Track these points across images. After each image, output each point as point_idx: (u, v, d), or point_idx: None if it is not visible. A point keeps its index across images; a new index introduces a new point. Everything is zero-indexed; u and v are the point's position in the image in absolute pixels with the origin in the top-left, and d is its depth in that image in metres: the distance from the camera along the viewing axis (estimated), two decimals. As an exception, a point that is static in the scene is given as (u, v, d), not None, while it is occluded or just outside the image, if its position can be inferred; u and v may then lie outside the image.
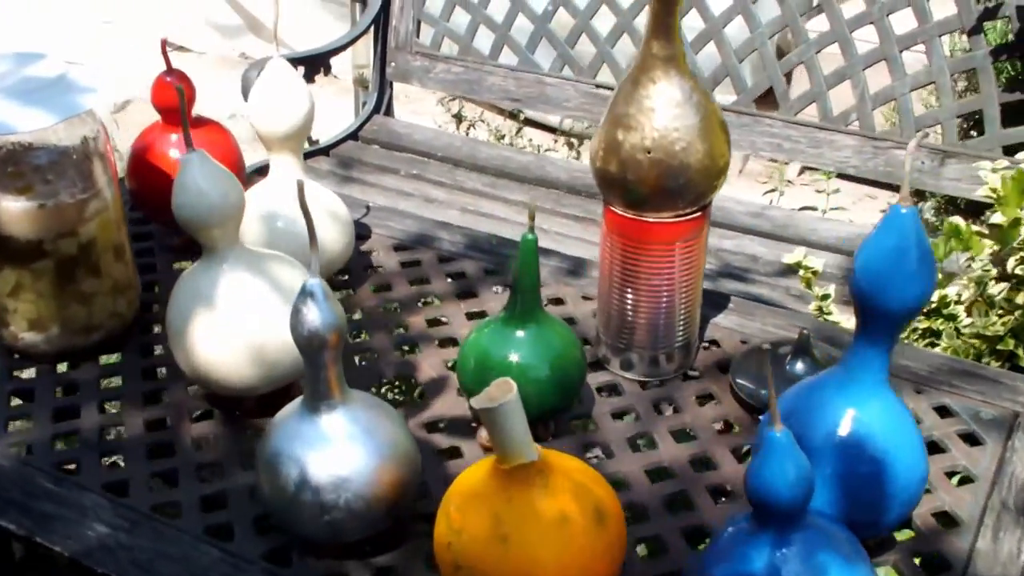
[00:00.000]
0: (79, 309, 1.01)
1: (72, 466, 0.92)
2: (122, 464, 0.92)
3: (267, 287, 0.92)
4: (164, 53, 1.14)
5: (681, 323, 1.01)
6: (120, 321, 1.05)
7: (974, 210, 2.07)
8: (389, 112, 2.07)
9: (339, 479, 0.77)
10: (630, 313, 1.00)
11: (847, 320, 1.29)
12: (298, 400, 0.81)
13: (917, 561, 0.83)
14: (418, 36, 2.02)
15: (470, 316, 1.11)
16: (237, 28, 3.58)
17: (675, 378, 1.03)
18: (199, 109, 1.19)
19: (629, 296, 0.99)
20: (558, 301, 1.14)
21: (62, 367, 1.03)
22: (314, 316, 0.74)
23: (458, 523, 0.73)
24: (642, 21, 1.60)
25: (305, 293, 0.75)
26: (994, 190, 1.19)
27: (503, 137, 2.46)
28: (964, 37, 1.68)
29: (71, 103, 0.94)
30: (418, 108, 2.89)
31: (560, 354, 0.91)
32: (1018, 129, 1.62)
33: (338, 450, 0.78)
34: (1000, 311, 1.11)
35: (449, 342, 1.08)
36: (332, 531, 0.79)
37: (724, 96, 1.83)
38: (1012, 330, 1.09)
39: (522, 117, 2.48)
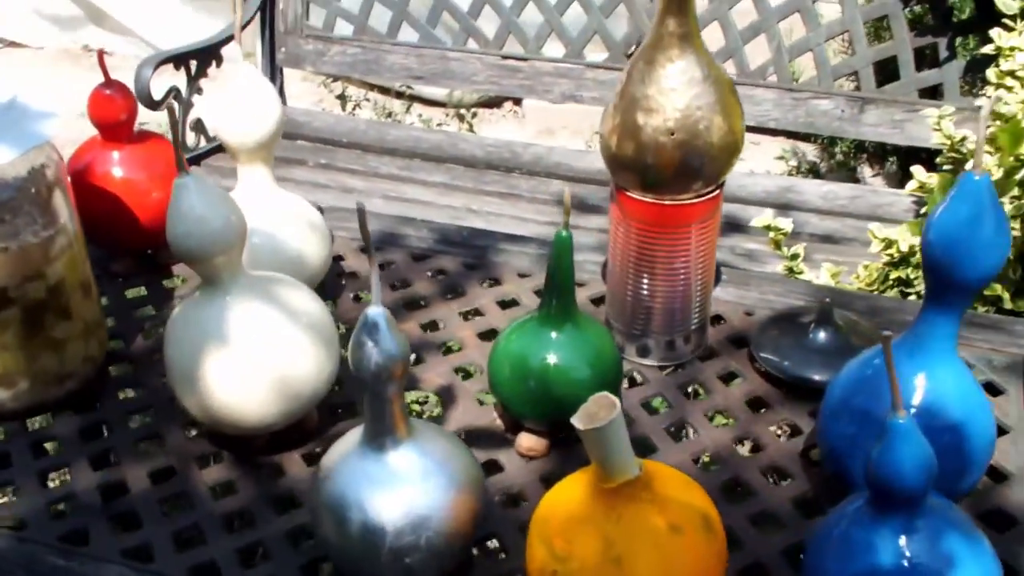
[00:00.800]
0: (50, 358, 0.91)
1: (80, 535, 0.83)
2: (137, 525, 0.84)
3: (281, 316, 0.84)
4: (102, 63, 1.03)
5: (697, 304, 0.98)
6: (92, 365, 0.95)
7: (894, 154, 2.11)
8: (282, 101, 1.97)
9: (418, 519, 0.71)
10: (646, 299, 0.97)
11: (816, 277, 1.30)
12: (353, 438, 0.75)
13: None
14: (308, 18, 1.92)
15: (465, 316, 1.06)
16: (76, 19, 3.35)
17: (693, 360, 1.00)
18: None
19: (645, 281, 0.96)
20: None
21: (34, 423, 0.94)
22: (380, 348, 0.68)
23: (564, 550, 0.68)
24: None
25: (368, 324, 0.68)
26: (949, 137, 1.21)
27: (391, 115, 2.39)
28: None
29: (28, 133, 0.84)
30: (291, 92, 2.77)
31: (599, 353, 0.87)
32: (931, 72, 1.65)
33: (414, 488, 0.72)
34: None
35: (449, 348, 1.02)
36: (410, 574, 0.73)
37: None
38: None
39: (408, 94, 2.40)
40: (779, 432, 0.93)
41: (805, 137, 2.45)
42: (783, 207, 1.68)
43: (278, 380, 0.83)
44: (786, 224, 1.27)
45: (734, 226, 1.57)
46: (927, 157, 2.07)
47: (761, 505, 0.85)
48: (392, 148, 1.86)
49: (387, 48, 1.88)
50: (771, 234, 1.26)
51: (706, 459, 0.90)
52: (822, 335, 0.97)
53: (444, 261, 1.14)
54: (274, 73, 1.94)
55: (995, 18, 1.40)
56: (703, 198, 0.92)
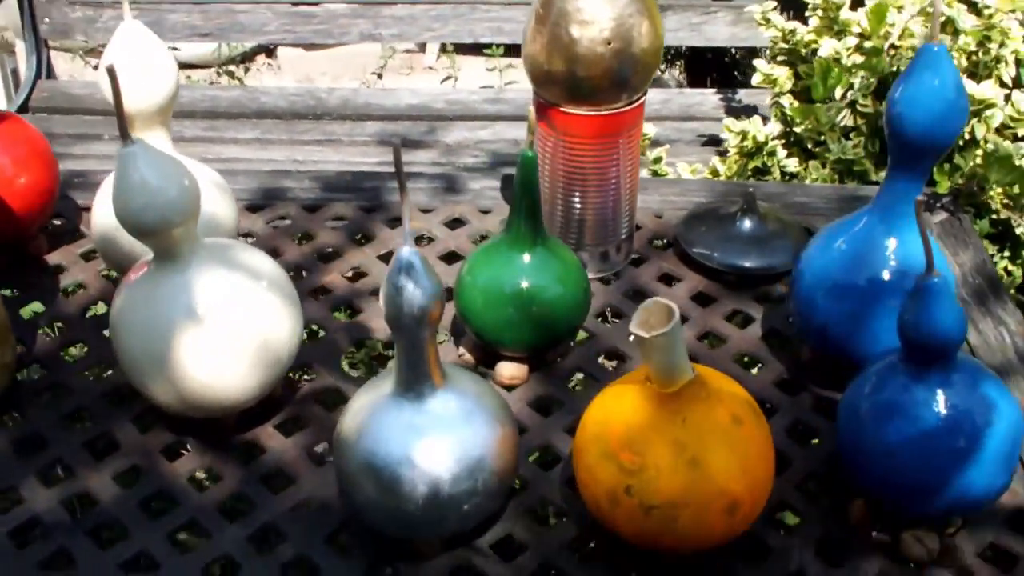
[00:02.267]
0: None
1: (62, 558, 0.74)
2: (123, 535, 0.76)
3: (249, 280, 0.78)
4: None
5: (626, 213, 0.99)
6: (8, 373, 0.85)
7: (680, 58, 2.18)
8: (51, 75, 1.80)
9: (473, 462, 0.69)
10: (579, 212, 0.96)
11: (676, 173, 1.34)
12: (380, 391, 0.71)
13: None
14: (70, -18, 1.75)
15: (384, 259, 1.02)
16: None
17: (626, 267, 1.01)
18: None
19: (577, 196, 0.96)
20: (458, 222, 1.07)
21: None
22: (421, 290, 0.65)
23: (634, 463, 0.68)
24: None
25: (405, 266, 0.64)
26: (782, 30, 1.27)
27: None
28: None
29: None
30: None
31: (569, 270, 0.86)
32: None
33: (463, 432, 0.69)
34: (853, 137, 1.20)
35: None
36: (469, 520, 0.71)
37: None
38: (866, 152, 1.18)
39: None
40: (736, 322, 0.96)
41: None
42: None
43: (259, 348, 0.77)
44: (651, 130, 1.30)
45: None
46: (712, 57, 2.18)
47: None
48: (190, 111, 1.74)
49: (168, 7, 1.75)
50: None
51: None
52: (748, 224, 1.00)
53: (339, 208, 1.09)
54: (39, 47, 1.76)
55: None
56: (634, 105, 0.92)
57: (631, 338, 0.66)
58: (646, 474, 0.68)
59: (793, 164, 1.30)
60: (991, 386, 0.71)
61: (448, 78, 2.22)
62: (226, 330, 0.76)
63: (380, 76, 2.32)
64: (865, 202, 1.09)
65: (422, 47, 2.75)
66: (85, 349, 0.92)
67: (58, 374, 0.89)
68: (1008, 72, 1.16)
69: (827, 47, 1.23)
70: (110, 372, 0.88)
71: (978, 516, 0.75)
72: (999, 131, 1.14)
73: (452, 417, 0.69)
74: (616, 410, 0.70)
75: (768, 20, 1.37)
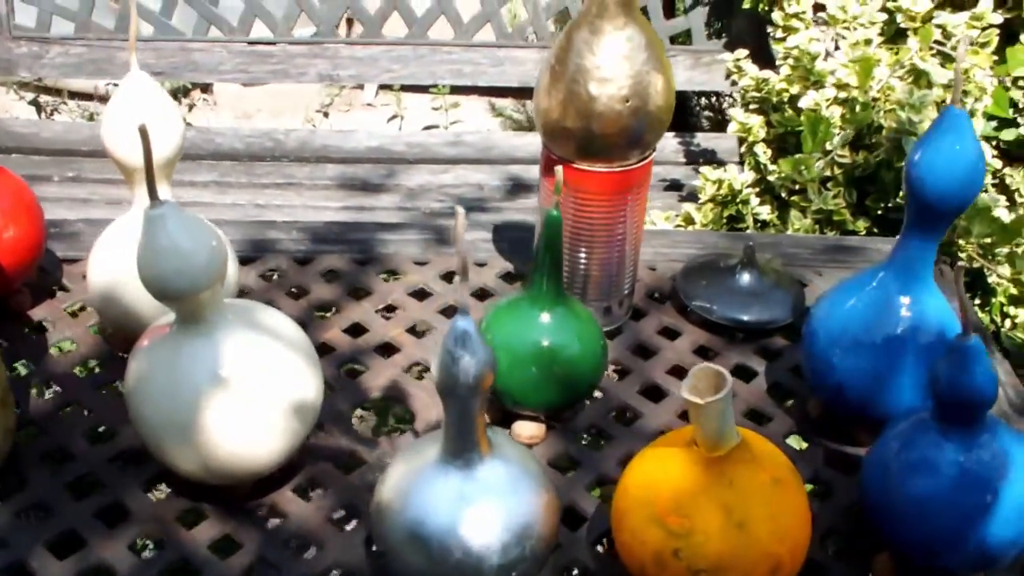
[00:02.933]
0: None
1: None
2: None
3: (274, 342, 0.77)
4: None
5: (630, 268, 0.99)
6: (10, 437, 0.81)
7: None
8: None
9: (521, 529, 0.68)
10: (583, 267, 0.97)
11: (652, 223, 1.35)
12: (423, 460, 0.70)
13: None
14: (15, 18, 1.70)
15: (383, 313, 1.01)
16: None
17: (627, 322, 1.02)
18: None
19: (583, 251, 0.96)
20: (453, 275, 1.07)
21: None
22: (476, 360, 0.64)
23: (683, 526, 0.68)
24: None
25: (460, 336, 0.64)
26: (755, 78, 1.29)
27: (92, 117, 2.18)
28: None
29: None
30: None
31: (588, 329, 0.86)
32: (679, 19, 1.76)
33: (511, 500, 0.69)
34: (831, 187, 1.22)
35: (386, 348, 0.97)
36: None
37: (394, 30, 1.76)
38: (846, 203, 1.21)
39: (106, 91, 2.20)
40: (742, 375, 0.97)
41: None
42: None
43: (286, 411, 0.76)
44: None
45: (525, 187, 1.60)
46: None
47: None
48: (141, 151, 1.70)
49: (118, 45, 1.71)
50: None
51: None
52: (746, 277, 1.02)
53: (331, 260, 1.07)
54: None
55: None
56: (644, 161, 0.93)
57: (684, 398, 0.65)
58: (695, 538, 0.68)
59: (766, 212, 1.32)
60: (1015, 443, 0.73)
61: (395, 116, 2.22)
62: (255, 395, 0.74)
63: (326, 115, 2.30)
64: (850, 253, 1.14)
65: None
66: (84, 411, 0.89)
67: (58, 437, 0.85)
68: (979, 126, 1.20)
69: (809, 99, 1.26)
70: (115, 436, 0.85)
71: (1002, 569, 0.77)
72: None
73: (501, 485, 0.68)
74: (661, 474, 0.71)
75: (740, 68, 1.39)
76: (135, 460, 0.83)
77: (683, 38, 1.80)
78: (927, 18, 1.23)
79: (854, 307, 0.85)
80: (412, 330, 0.99)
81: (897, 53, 1.24)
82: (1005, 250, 1.13)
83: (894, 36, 1.30)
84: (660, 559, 0.69)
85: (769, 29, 1.46)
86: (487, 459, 0.69)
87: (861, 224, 1.21)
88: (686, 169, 1.71)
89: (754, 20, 1.70)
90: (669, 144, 1.79)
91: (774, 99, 1.33)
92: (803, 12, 1.34)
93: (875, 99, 1.20)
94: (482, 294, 1.05)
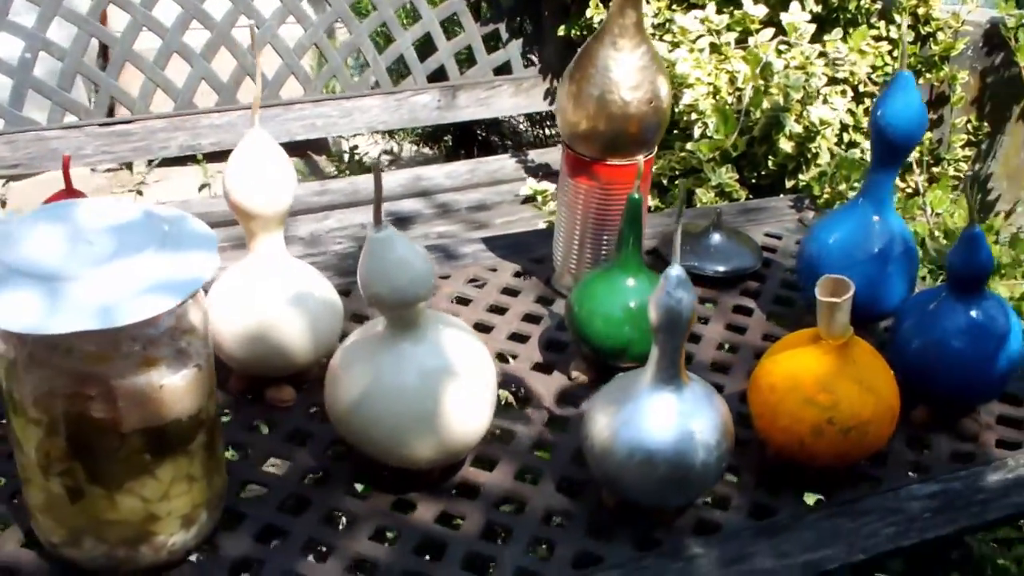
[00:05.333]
0: (219, 479, 0.85)
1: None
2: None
3: (467, 335, 0.90)
4: (66, 172, 0.92)
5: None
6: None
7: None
8: None
9: (724, 429, 0.87)
10: (605, 247, 1.16)
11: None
12: (629, 390, 0.86)
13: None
14: None
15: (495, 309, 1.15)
16: None
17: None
18: None
19: (605, 236, 1.15)
20: (475, 280, 1.22)
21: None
22: (690, 298, 0.82)
23: (830, 400, 0.90)
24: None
25: (679, 281, 0.82)
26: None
27: None
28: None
29: (190, 264, 0.77)
30: None
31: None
32: (498, 53, 1.97)
33: (713, 410, 0.86)
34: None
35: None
36: (721, 474, 0.88)
37: (247, 96, 1.85)
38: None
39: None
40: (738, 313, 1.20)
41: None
42: (422, 193, 1.89)
43: (491, 390, 0.90)
44: (550, 186, 1.51)
45: (445, 211, 1.76)
46: (479, 129, 2.42)
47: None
48: None
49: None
50: (539, 198, 1.49)
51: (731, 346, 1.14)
52: (716, 237, 1.25)
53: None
54: None
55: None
56: (653, 151, 1.14)
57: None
58: (841, 406, 0.90)
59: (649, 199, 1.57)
60: (1005, 305, 1.01)
61: (205, 185, 2.26)
62: (472, 379, 0.88)
63: (140, 192, 2.31)
64: (759, 212, 1.40)
65: (128, 166, 2.73)
66: (247, 450, 0.97)
67: (242, 474, 0.93)
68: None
69: (688, 97, 1.52)
70: (291, 462, 0.95)
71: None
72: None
73: (703, 401, 0.87)
74: (800, 366, 0.92)
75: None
76: (322, 481, 0.93)
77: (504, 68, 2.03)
78: (765, 21, 1.54)
79: (841, 231, 1.10)
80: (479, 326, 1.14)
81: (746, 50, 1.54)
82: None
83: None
84: (817, 429, 0.90)
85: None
86: (688, 384, 0.87)
87: (742, 192, 1.49)
88: (531, 183, 1.93)
89: (565, 45, 1.96)
90: (507, 164, 2.00)
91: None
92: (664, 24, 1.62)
93: (762, 86, 1.49)
94: (508, 290, 1.21)
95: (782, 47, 1.52)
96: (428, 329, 0.88)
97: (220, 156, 2.16)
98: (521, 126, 2.42)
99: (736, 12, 1.58)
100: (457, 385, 0.87)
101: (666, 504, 0.89)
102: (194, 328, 0.78)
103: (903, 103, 1.05)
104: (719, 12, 1.59)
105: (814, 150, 1.46)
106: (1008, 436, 1.03)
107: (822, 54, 1.61)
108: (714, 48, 1.57)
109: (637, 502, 0.89)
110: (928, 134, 1.76)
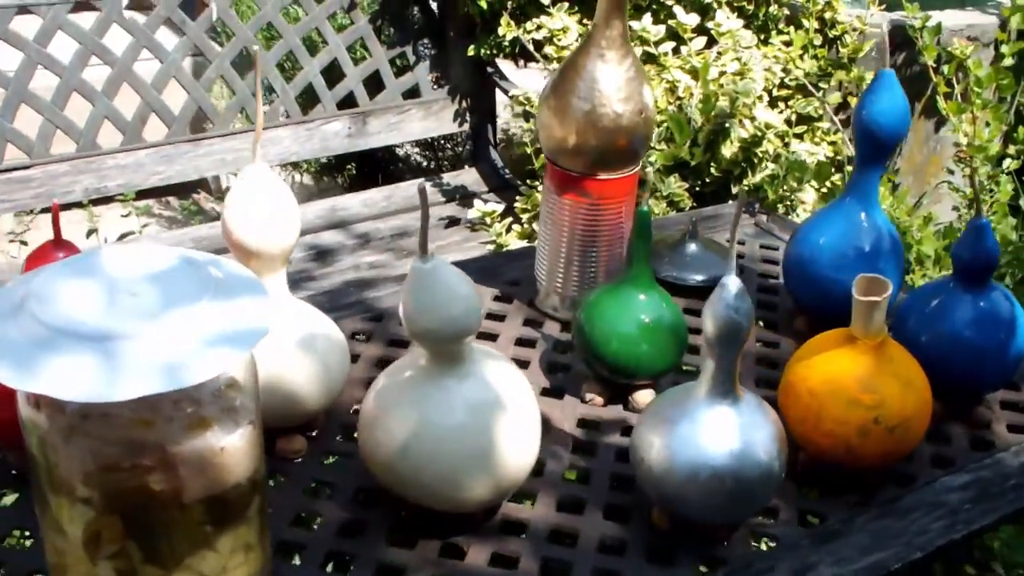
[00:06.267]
0: (269, 546, 0.78)
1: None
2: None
3: (511, 368, 0.86)
4: (56, 220, 0.83)
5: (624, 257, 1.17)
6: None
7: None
8: None
9: (780, 441, 0.85)
10: (592, 267, 1.13)
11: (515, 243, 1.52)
12: (684, 408, 0.83)
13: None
14: None
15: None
16: None
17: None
18: None
19: (593, 252, 1.12)
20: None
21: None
22: (747, 307, 0.80)
23: (874, 399, 0.89)
24: None
25: (732, 289, 0.80)
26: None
27: None
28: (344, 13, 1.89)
29: (246, 312, 0.69)
30: None
31: (671, 304, 1.02)
32: (407, 76, 1.93)
33: (768, 424, 0.84)
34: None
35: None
36: (778, 483, 0.86)
37: (154, 133, 1.75)
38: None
39: None
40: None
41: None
42: (340, 224, 1.82)
43: (536, 422, 0.85)
44: (498, 208, 1.47)
45: (368, 241, 1.69)
46: (382, 156, 2.35)
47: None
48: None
49: None
50: (487, 219, 1.45)
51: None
52: (692, 247, 1.24)
53: (353, 323, 1.13)
54: None
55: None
56: (639, 165, 1.11)
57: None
58: (885, 404, 0.89)
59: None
60: (1008, 296, 1.02)
61: (93, 231, 2.12)
62: (521, 412, 0.83)
63: (24, 243, 2.14)
64: (713, 220, 1.40)
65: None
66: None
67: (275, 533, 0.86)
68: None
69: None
70: (317, 518, 0.88)
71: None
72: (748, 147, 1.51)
73: (760, 410, 0.85)
74: (839, 369, 0.90)
75: (529, 100, 1.61)
76: (351, 532, 0.87)
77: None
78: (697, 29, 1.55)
79: (831, 232, 1.10)
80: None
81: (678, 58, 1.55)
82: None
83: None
84: (864, 430, 0.89)
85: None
86: (743, 397, 0.84)
87: (688, 202, 1.49)
88: (451, 206, 1.89)
89: (473, 65, 1.93)
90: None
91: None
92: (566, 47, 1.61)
93: (712, 93, 1.49)
94: (492, 316, 1.17)
95: (723, 52, 1.53)
96: (472, 362, 0.83)
97: (104, 199, 2.06)
98: (415, 155, 2.38)
99: (671, 21, 1.58)
100: (507, 419, 0.82)
101: (730, 520, 0.86)
102: (241, 383, 0.71)
103: (889, 100, 1.05)
104: (655, 22, 1.59)
105: (760, 154, 1.47)
106: (1015, 421, 1.05)
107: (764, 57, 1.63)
108: (650, 58, 1.57)
109: (698, 521, 0.86)
110: (840, 133, 1.80)
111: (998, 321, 1.00)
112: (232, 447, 0.69)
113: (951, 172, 1.90)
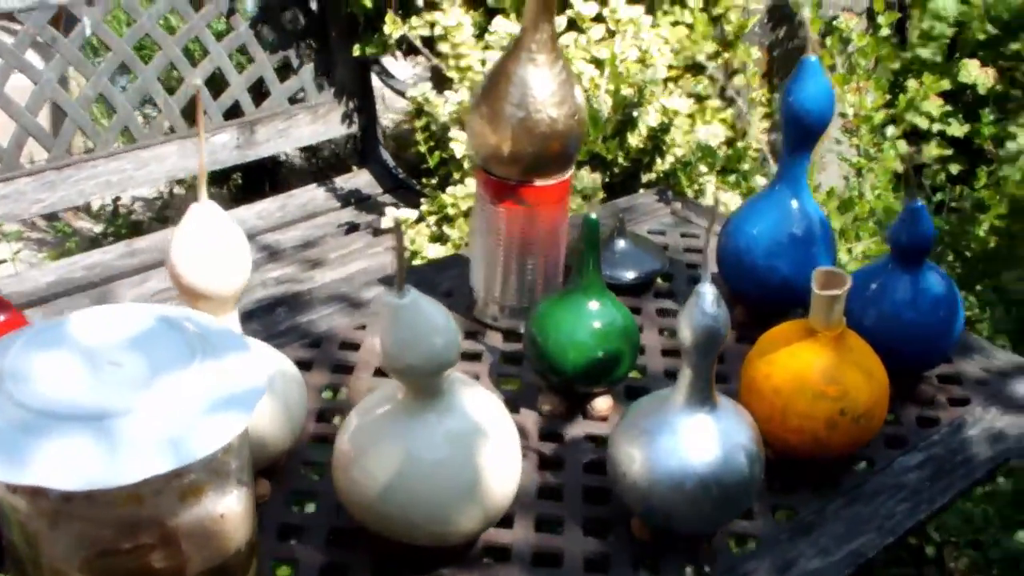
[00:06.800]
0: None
1: None
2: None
3: (489, 394, 0.84)
4: None
5: (562, 264, 1.15)
6: None
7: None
8: None
9: (758, 446, 0.85)
10: (530, 274, 1.12)
11: (432, 251, 1.50)
12: (664, 412, 0.83)
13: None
14: None
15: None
16: None
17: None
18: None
19: (530, 261, 1.11)
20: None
21: None
22: (724, 313, 0.80)
23: (838, 391, 0.90)
24: None
25: (709, 298, 0.79)
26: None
27: None
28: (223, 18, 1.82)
29: (237, 370, 0.65)
30: None
31: (622, 310, 1.01)
32: (292, 80, 1.87)
33: (749, 429, 0.84)
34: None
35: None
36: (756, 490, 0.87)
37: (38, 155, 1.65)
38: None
39: None
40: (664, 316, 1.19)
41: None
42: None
43: (517, 446, 0.84)
44: (411, 214, 1.44)
45: (271, 254, 1.64)
46: (266, 164, 2.27)
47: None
48: None
49: None
50: (403, 226, 1.42)
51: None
52: (621, 242, 1.24)
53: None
54: None
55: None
56: (571, 170, 1.10)
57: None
58: (849, 395, 0.91)
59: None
60: (946, 279, 1.05)
61: (3, 261, 2.01)
62: (503, 440, 0.81)
63: None
64: (633, 211, 1.40)
65: None
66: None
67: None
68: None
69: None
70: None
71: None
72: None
73: (735, 413, 0.85)
74: (801, 363, 0.91)
75: (428, 99, 1.58)
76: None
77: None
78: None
79: (764, 221, 1.12)
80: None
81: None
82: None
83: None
84: (831, 422, 0.90)
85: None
86: (718, 403, 0.84)
87: (600, 194, 1.49)
88: (349, 211, 1.85)
89: (358, 65, 1.88)
90: (318, 195, 1.90)
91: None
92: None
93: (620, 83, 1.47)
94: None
95: (623, 39, 1.53)
96: (451, 393, 0.80)
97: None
98: (296, 158, 2.32)
99: (568, 12, 1.57)
100: (492, 447, 0.80)
101: (714, 527, 0.87)
102: (236, 445, 0.67)
103: (814, 87, 1.07)
104: (558, 14, 1.58)
105: (668, 141, 1.48)
106: (955, 395, 1.08)
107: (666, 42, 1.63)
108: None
109: (683, 531, 0.86)
110: (729, 110, 1.82)
111: (938, 299, 1.03)
112: (231, 512, 0.65)
113: (838, 142, 1.96)
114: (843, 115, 1.87)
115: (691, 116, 1.70)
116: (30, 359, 0.61)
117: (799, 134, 1.09)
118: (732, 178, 1.51)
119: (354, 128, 1.93)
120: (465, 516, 0.79)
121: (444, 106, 1.57)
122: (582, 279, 0.99)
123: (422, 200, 1.59)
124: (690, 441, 0.82)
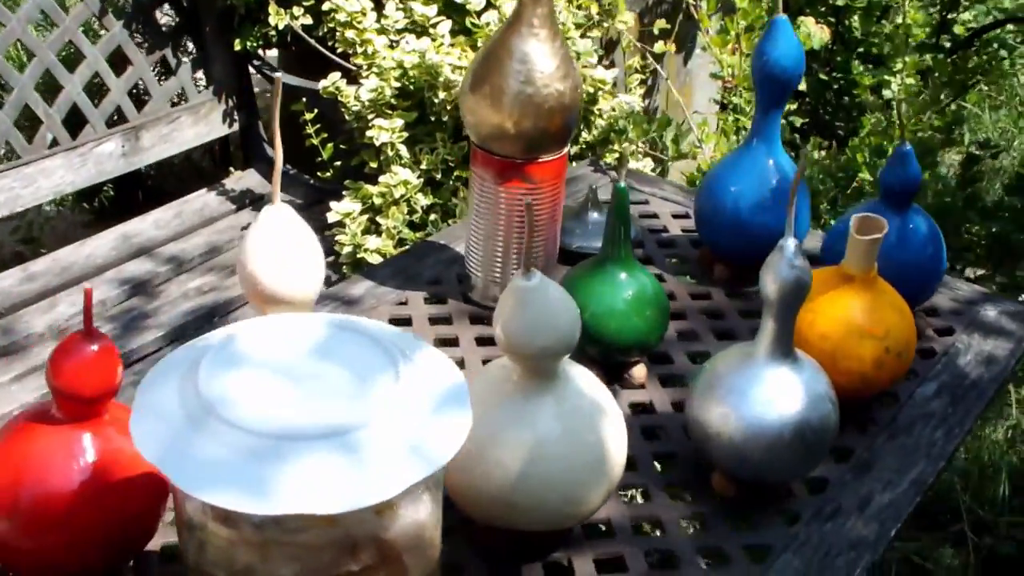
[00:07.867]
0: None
1: None
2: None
3: (591, 373, 0.83)
4: (88, 309, 0.69)
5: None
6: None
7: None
8: None
9: (833, 389, 0.88)
10: (533, 248, 1.11)
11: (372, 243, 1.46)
12: (746, 362, 0.85)
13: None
14: None
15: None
16: None
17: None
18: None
19: (536, 237, 1.10)
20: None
21: None
22: (806, 264, 0.83)
23: (882, 331, 0.95)
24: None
25: (792, 248, 0.82)
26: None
27: None
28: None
29: (439, 374, 0.62)
30: None
31: (652, 279, 1.02)
32: (168, 84, 1.77)
33: (825, 379, 0.87)
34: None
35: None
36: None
37: None
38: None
39: None
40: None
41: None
42: (140, 252, 1.67)
43: (623, 425, 0.83)
44: (354, 207, 1.39)
45: (181, 264, 1.55)
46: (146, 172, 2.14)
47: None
48: None
49: None
50: (347, 221, 1.38)
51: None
52: (594, 214, 1.25)
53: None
54: None
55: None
56: (568, 144, 1.10)
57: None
58: (891, 333, 0.95)
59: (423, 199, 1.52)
60: (924, 214, 1.12)
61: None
62: (612, 411, 0.81)
63: None
64: (574, 182, 1.41)
65: None
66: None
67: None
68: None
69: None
70: None
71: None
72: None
73: (816, 369, 0.87)
74: (845, 306, 0.95)
75: (340, 89, 1.53)
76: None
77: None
78: None
79: (743, 179, 1.15)
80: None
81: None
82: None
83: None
84: (878, 361, 0.95)
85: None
86: (797, 355, 0.87)
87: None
88: (246, 213, 1.78)
89: (236, 60, 1.81)
90: (210, 198, 1.81)
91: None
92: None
93: None
94: (436, 320, 1.12)
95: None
96: (565, 372, 0.79)
97: None
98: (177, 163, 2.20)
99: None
100: (607, 421, 0.80)
101: (805, 474, 0.89)
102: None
103: (785, 44, 1.11)
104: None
105: (596, 111, 1.49)
106: (939, 325, 1.15)
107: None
108: (460, 30, 1.53)
109: (773, 480, 0.88)
110: (606, 77, 1.83)
111: (926, 238, 1.09)
112: (433, 517, 0.62)
113: (717, 103, 2.02)
114: (719, 77, 1.93)
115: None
116: (223, 382, 0.56)
117: (773, 92, 1.13)
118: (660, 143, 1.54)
119: (235, 128, 1.85)
120: (594, 492, 0.79)
121: (360, 94, 1.52)
122: (613, 250, 0.99)
123: (344, 193, 1.54)
124: (781, 393, 0.85)
